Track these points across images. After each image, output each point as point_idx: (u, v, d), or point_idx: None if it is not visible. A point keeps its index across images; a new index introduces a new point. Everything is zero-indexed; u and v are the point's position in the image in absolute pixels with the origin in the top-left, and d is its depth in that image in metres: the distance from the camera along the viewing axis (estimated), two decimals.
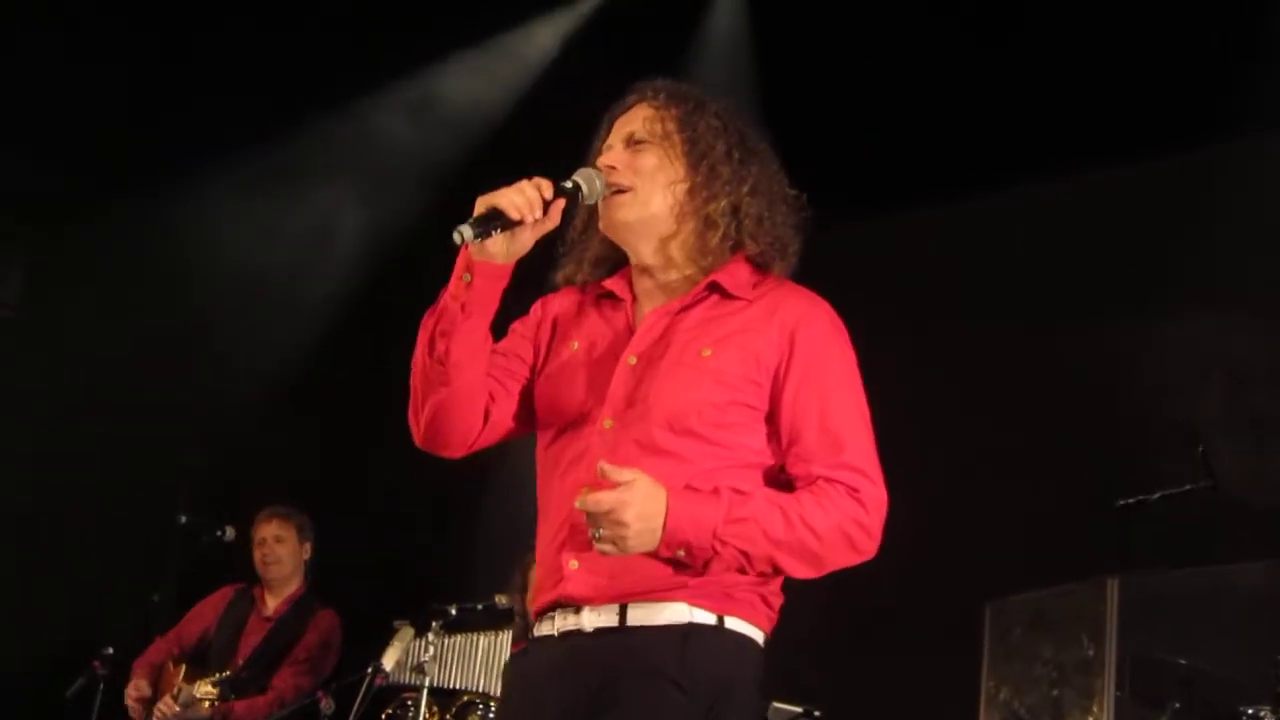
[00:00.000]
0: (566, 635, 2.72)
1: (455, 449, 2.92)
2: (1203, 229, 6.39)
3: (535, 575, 2.84)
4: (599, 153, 2.91)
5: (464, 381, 2.81)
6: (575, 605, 2.71)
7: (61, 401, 7.89)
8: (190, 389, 7.54)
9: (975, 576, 6.28)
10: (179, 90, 7.03)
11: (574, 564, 2.72)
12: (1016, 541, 6.41)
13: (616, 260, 2.95)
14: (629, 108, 2.93)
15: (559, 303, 3.01)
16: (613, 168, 2.83)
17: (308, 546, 6.70)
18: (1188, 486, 5.63)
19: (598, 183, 2.81)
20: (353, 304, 7.91)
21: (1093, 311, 6.68)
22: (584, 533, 2.64)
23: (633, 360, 2.80)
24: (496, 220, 2.70)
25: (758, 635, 2.75)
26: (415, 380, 2.86)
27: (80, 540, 7.64)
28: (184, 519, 6.83)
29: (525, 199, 2.69)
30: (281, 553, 6.59)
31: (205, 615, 6.60)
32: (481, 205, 2.70)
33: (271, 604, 6.57)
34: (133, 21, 6.83)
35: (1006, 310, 6.88)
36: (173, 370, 7.47)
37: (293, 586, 6.62)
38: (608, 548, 2.55)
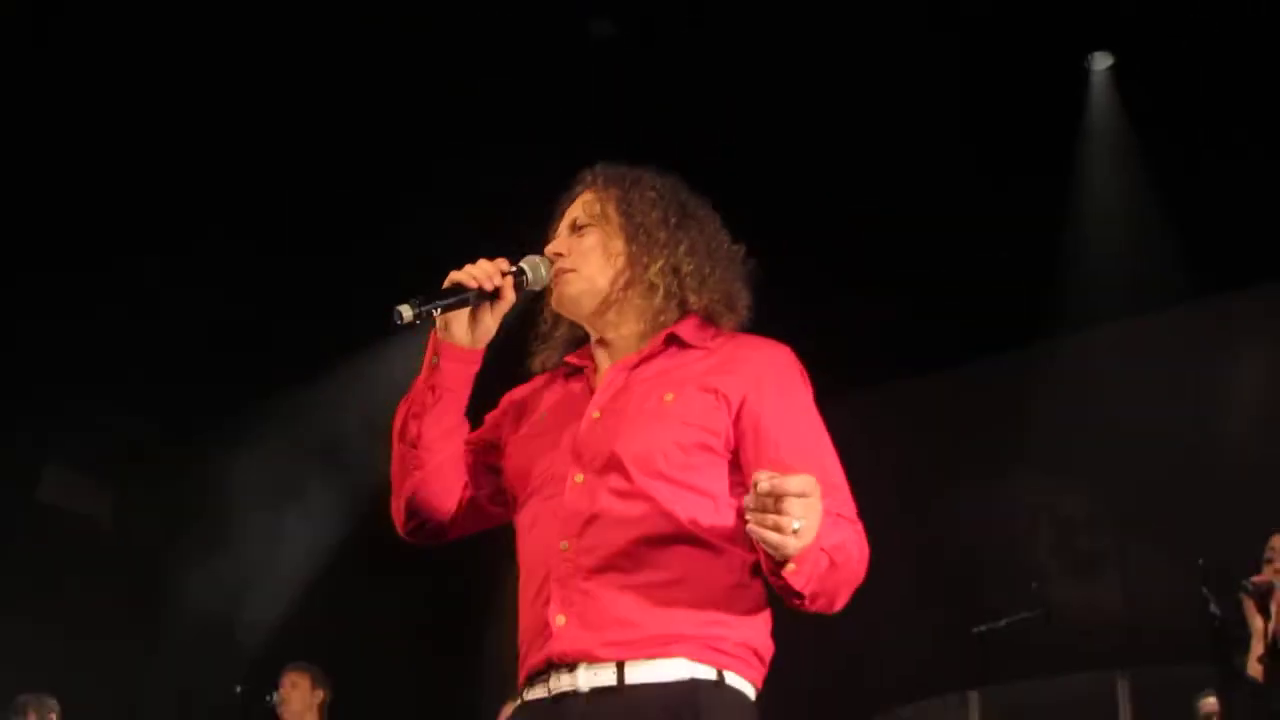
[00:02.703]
0: (560, 698, 2.42)
1: (435, 534, 2.76)
2: (1030, 411, 7.36)
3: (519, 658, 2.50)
4: (549, 241, 2.78)
5: (436, 464, 2.68)
6: (569, 664, 2.42)
7: (143, 592, 8.81)
8: (245, 584, 8.39)
9: (867, 689, 7.09)
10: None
11: (561, 619, 2.44)
12: (898, 662, 7.13)
13: (581, 341, 2.78)
14: (575, 196, 2.79)
15: (525, 389, 2.83)
16: (559, 254, 2.70)
17: (320, 692, 7.33)
18: (1026, 614, 6.42)
19: (543, 269, 2.69)
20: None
21: (953, 480, 7.57)
22: (569, 586, 2.45)
23: (596, 415, 2.58)
24: (451, 294, 2.60)
25: (751, 692, 2.48)
26: (393, 469, 2.73)
27: (162, 710, 8.55)
28: (239, 689, 7.44)
29: (482, 270, 2.62)
30: (293, 696, 7.28)
31: None
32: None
33: None
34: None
35: (890, 481, 7.50)
36: (234, 571, 8.31)
37: None
38: (792, 542, 2.16)
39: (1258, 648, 5.11)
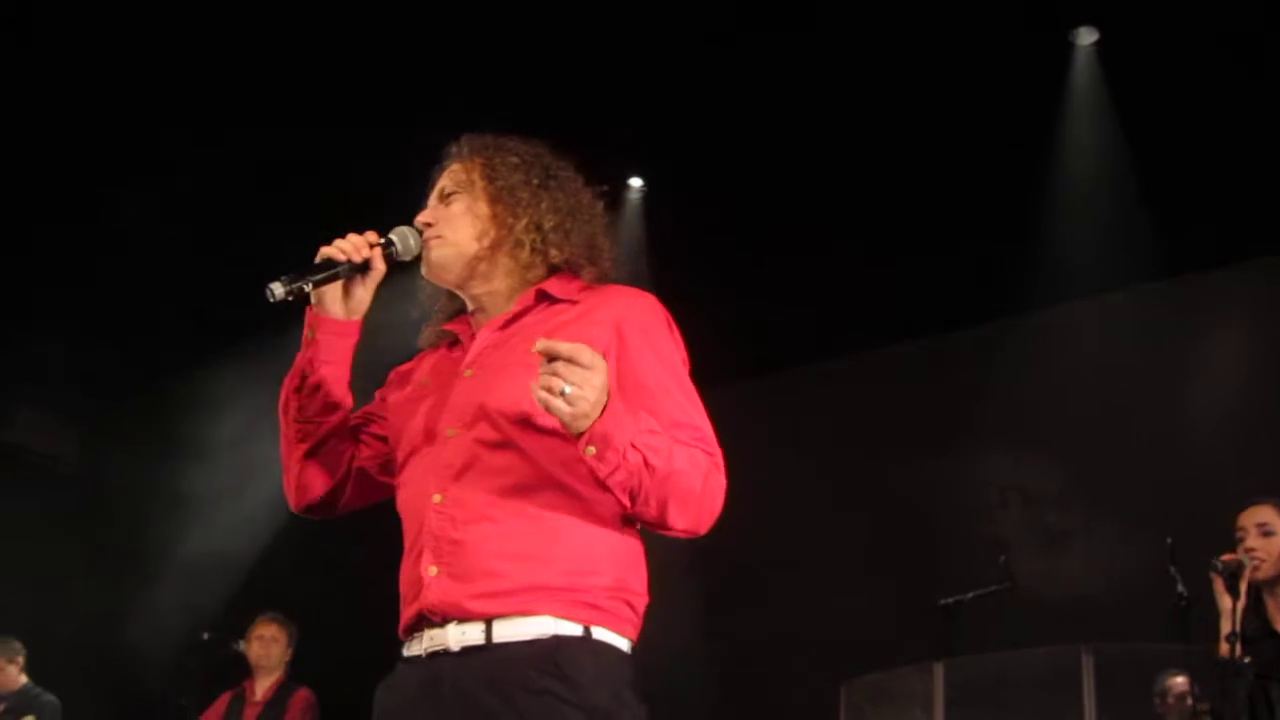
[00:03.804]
0: (434, 656, 2.45)
1: (326, 507, 2.81)
2: (1000, 386, 7.31)
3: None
4: None
5: (319, 436, 2.73)
6: (439, 619, 2.45)
7: (110, 540, 8.71)
8: (213, 528, 8.23)
9: (832, 659, 7.00)
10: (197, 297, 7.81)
11: (433, 570, 2.47)
12: (865, 632, 7.11)
13: (462, 312, 2.83)
14: (444, 168, 2.82)
15: (410, 363, 2.86)
16: (427, 224, 2.74)
17: (290, 650, 7.30)
18: (993, 587, 6.42)
19: (412, 239, 2.72)
20: None
21: (920, 454, 7.51)
22: (440, 540, 2.48)
23: (469, 373, 2.61)
24: (321, 269, 2.64)
25: (624, 644, 2.49)
26: (281, 446, 2.77)
27: (125, 653, 8.39)
28: (206, 635, 7.44)
29: (351, 244, 2.66)
30: (273, 650, 7.22)
31: (213, 719, 7.22)
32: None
33: (259, 690, 7.21)
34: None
35: (859, 454, 7.71)
36: (201, 514, 8.17)
37: (276, 675, 7.24)
38: (560, 404, 2.24)
39: (1225, 627, 5.02)
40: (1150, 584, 6.38)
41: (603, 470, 2.33)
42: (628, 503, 2.39)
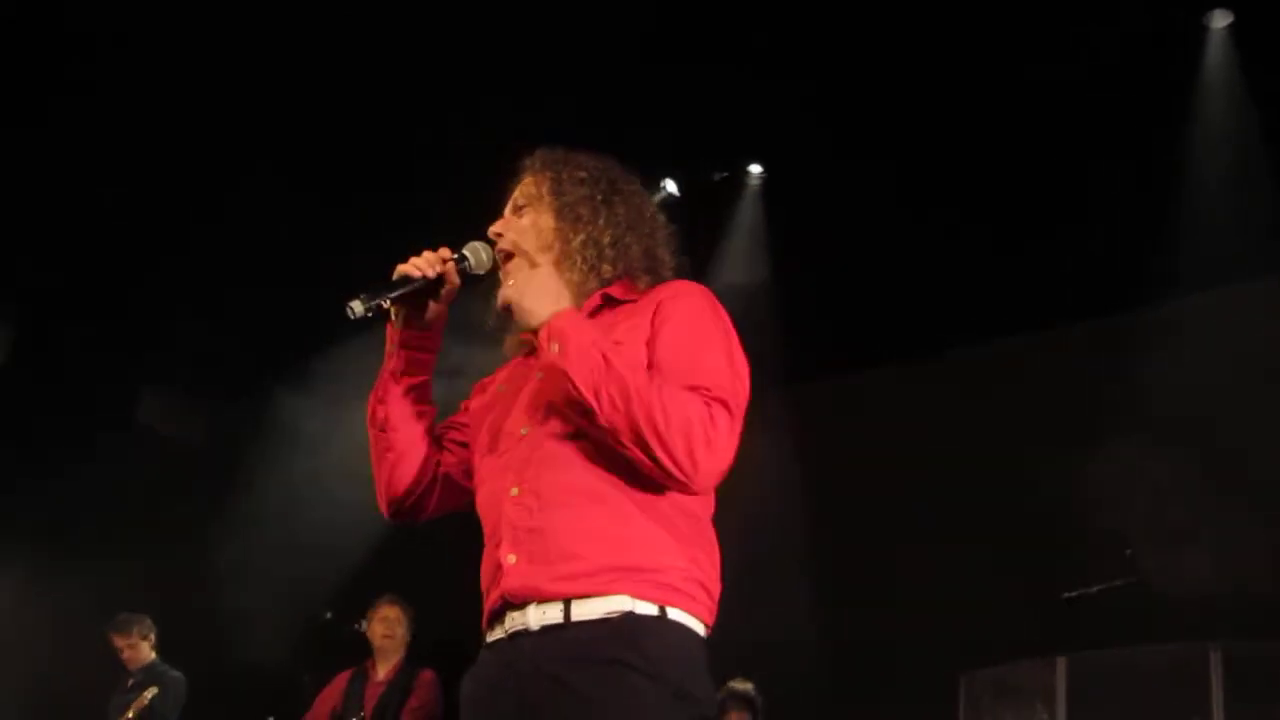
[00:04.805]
0: (514, 636, 2.56)
1: (415, 511, 2.92)
2: (1126, 379, 7.10)
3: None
4: None
5: (406, 444, 2.85)
6: (519, 602, 2.55)
7: (235, 514, 8.82)
8: (337, 509, 8.09)
9: (953, 650, 6.87)
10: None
11: (511, 558, 2.57)
12: (986, 624, 6.96)
13: None
14: (519, 180, 2.94)
15: (493, 375, 2.99)
16: (499, 234, 2.87)
17: (409, 633, 7.45)
18: (1118, 582, 6.23)
19: (484, 254, 2.86)
20: None
21: (1044, 445, 7.36)
22: (519, 529, 2.56)
23: (539, 375, 2.69)
24: (398, 285, 2.77)
25: (698, 626, 2.59)
26: (371, 456, 2.90)
27: (244, 628, 8.53)
28: (329, 614, 7.60)
29: (424, 260, 2.79)
30: (398, 631, 7.36)
31: (332, 697, 7.30)
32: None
33: (382, 670, 7.31)
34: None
35: (982, 445, 7.57)
36: (326, 495, 8.17)
37: (398, 656, 7.36)
38: (510, 292, 2.61)
39: None
40: None
41: (564, 363, 2.49)
42: (592, 401, 2.48)
